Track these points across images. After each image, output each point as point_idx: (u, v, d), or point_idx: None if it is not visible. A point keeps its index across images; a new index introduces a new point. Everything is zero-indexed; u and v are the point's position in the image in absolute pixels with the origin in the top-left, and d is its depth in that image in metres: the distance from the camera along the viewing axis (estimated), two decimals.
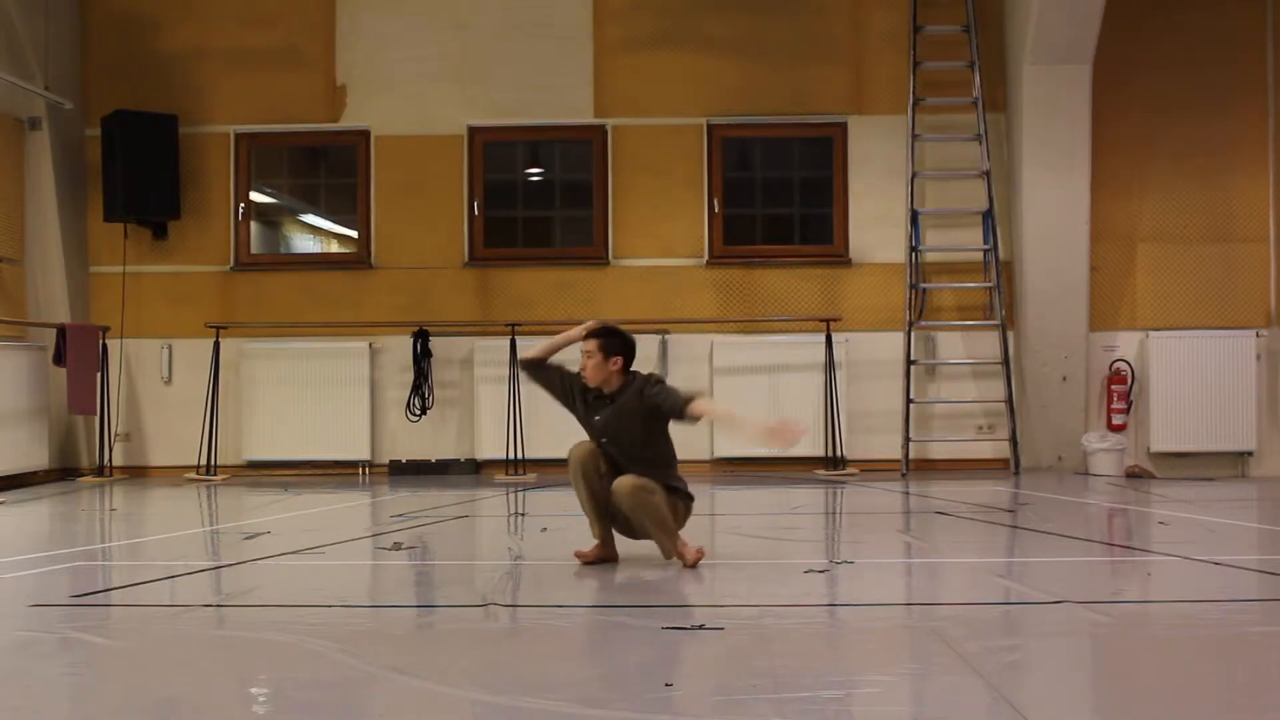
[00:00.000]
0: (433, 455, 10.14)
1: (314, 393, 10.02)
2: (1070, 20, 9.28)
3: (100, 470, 9.89)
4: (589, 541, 5.39)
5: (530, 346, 5.69)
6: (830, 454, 9.84)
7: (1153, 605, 4.54)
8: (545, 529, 6.59)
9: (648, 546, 5.60)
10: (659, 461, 5.31)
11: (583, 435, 5.41)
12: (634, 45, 10.24)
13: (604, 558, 5.37)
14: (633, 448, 5.25)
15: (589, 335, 5.30)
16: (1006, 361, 9.82)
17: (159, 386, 10.31)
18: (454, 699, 3.22)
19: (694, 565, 5.17)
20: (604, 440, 5.28)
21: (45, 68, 9.80)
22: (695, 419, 5.20)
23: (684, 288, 10.13)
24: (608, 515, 5.33)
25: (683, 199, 10.16)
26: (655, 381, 5.29)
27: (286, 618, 4.25)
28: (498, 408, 9.85)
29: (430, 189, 10.27)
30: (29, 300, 9.93)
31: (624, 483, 5.13)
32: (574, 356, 5.35)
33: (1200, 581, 4.89)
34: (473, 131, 10.33)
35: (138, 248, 10.27)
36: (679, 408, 5.16)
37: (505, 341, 9.84)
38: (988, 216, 9.92)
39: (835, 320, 9.91)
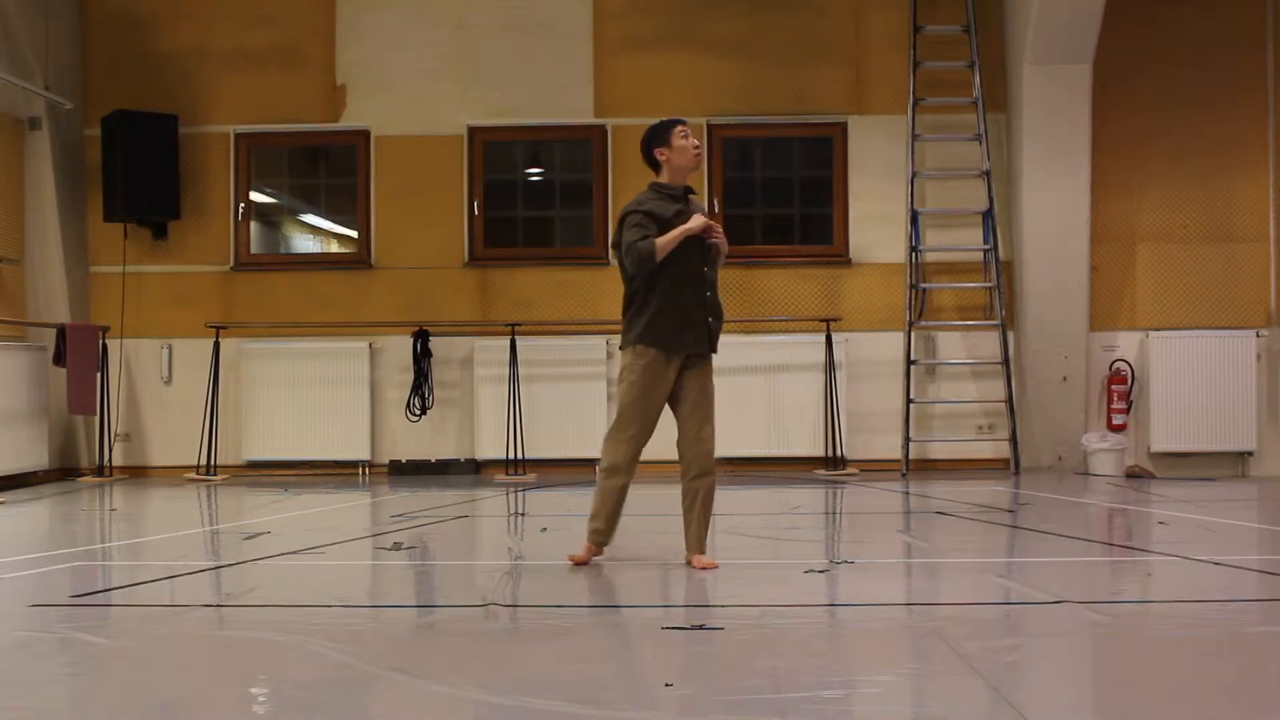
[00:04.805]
0: (433, 455, 10.14)
1: (314, 393, 10.02)
2: (1070, 20, 9.28)
3: (100, 470, 9.90)
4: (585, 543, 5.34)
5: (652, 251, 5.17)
6: (830, 454, 9.85)
7: (1153, 605, 4.54)
8: (545, 529, 6.59)
9: (647, 547, 5.60)
10: None
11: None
12: (634, 45, 10.25)
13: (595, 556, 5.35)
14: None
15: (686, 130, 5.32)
16: (1006, 361, 9.82)
17: (159, 386, 10.32)
18: (454, 699, 3.22)
19: (699, 569, 5.14)
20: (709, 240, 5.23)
21: (45, 68, 9.81)
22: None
23: None
24: None
25: None
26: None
27: (286, 618, 4.25)
28: (498, 408, 9.86)
29: (430, 189, 10.27)
30: (29, 300, 9.93)
31: (713, 449, 5.18)
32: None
33: (1200, 581, 4.89)
34: (473, 131, 10.34)
35: (138, 248, 10.27)
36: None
37: (505, 341, 9.84)
38: (988, 216, 9.92)
39: (835, 320, 9.91)
